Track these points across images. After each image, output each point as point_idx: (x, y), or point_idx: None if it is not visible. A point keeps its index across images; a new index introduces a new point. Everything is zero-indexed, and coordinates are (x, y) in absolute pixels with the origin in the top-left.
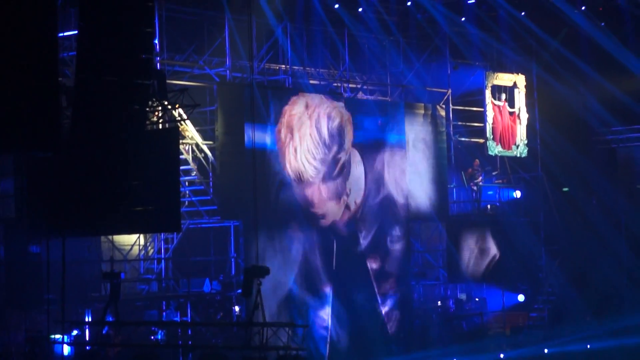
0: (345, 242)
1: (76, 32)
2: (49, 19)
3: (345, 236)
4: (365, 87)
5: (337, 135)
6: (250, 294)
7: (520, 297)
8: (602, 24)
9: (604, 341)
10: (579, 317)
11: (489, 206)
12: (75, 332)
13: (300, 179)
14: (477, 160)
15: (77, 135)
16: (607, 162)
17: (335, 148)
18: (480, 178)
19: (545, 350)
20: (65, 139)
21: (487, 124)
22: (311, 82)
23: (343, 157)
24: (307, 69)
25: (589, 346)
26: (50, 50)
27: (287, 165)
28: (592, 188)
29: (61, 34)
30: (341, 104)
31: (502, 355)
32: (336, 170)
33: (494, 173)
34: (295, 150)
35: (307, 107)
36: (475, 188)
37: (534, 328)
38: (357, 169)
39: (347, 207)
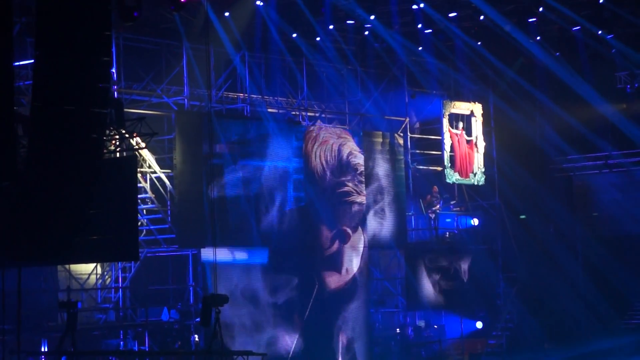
0: None
1: (32, 60)
2: (4, 48)
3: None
4: (323, 115)
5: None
6: (209, 323)
7: (479, 324)
8: (557, 53)
9: None
10: (537, 344)
11: (447, 234)
12: None
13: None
14: (435, 187)
15: (33, 164)
16: (563, 190)
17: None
18: (438, 206)
19: None
20: (21, 168)
21: (445, 152)
22: (269, 110)
23: None
24: (266, 97)
25: None
26: (6, 79)
27: None
28: (549, 216)
29: (17, 63)
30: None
31: None
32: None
33: (452, 202)
34: None
35: None
36: (432, 215)
37: (492, 355)
38: None
39: None
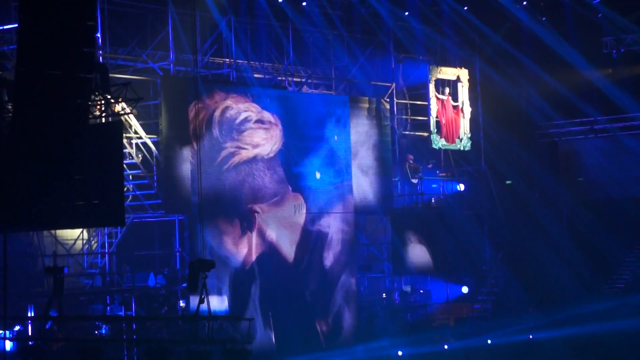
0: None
1: (17, 25)
2: None
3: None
4: (309, 81)
5: None
6: (195, 288)
7: (464, 289)
8: (544, 18)
9: (546, 332)
10: (522, 308)
11: (433, 199)
12: (17, 328)
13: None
14: (410, 155)
15: (18, 129)
16: (549, 155)
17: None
18: (422, 174)
19: (489, 341)
20: (6, 133)
21: (431, 118)
22: (255, 75)
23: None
24: (252, 62)
25: (531, 337)
26: None
27: None
28: (535, 181)
29: (1, 27)
30: None
31: (446, 346)
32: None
33: (428, 165)
34: None
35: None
36: (414, 181)
37: (477, 319)
38: None
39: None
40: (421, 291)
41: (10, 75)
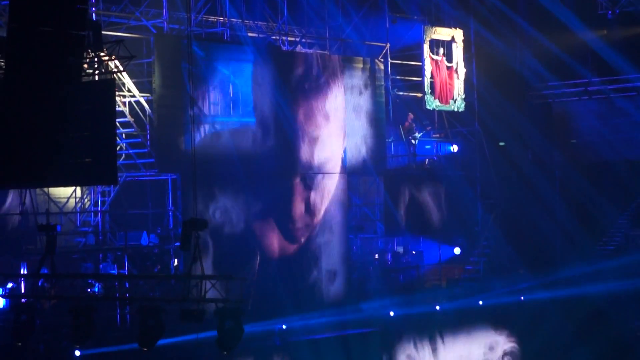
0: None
1: None
2: None
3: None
4: (303, 40)
5: None
6: (188, 247)
7: (457, 250)
8: None
9: (537, 293)
10: (513, 269)
11: (426, 160)
12: (10, 285)
13: None
14: (410, 114)
15: (10, 86)
16: (542, 117)
17: None
18: (417, 133)
19: (480, 302)
20: None
21: (425, 79)
22: (249, 34)
23: None
24: (246, 21)
25: (522, 298)
26: None
27: None
28: (528, 143)
29: None
30: None
31: (438, 307)
32: None
33: (427, 128)
34: None
35: None
36: (413, 142)
37: (469, 280)
38: None
39: None
40: (413, 252)
41: (2, 31)
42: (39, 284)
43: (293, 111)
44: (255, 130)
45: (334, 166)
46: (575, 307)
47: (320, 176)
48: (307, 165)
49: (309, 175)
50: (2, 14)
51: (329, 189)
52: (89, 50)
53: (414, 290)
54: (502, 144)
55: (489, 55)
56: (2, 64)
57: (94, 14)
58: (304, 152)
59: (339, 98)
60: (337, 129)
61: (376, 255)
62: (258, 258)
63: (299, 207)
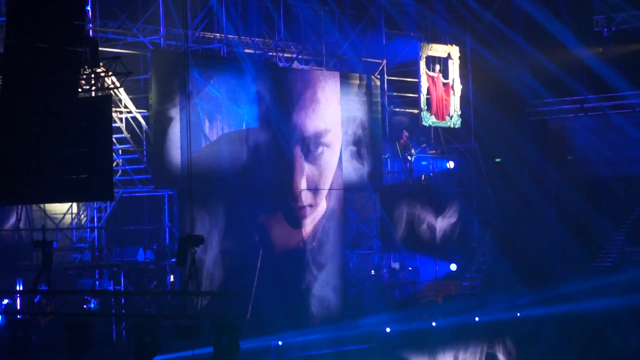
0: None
1: None
2: None
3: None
4: (300, 56)
5: None
6: (184, 263)
7: (453, 267)
8: None
9: (534, 309)
10: (510, 286)
11: (422, 176)
12: (6, 301)
13: None
14: (405, 131)
15: (7, 102)
16: (538, 133)
17: None
18: (414, 149)
19: (477, 319)
20: None
21: (422, 95)
22: (246, 51)
23: None
24: (242, 38)
25: (519, 314)
26: None
27: None
28: (524, 159)
29: None
30: None
31: (434, 323)
32: None
33: (422, 145)
34: None
35: None
36: (409, 158)
37: (465, 297)
38: None
39: None
40: (410, 268)
41: (0, 48)
42: (35, 300)
43: (289, 127)
44: (250, 144)
45: (332, 182)
46: (572, 324)
47: (317, 195)
48: (303, 182)
49: (304, 192)
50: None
51: (322, 209)
52: (86, 67)
53: (410, 306)
54: (498, 160)
55: (485, 71)
56: None
57: (91, 30)
58: (299, 168)
59: (335, 114)
60: (333, 145)
61: (372, 271)
62: (260, 256)
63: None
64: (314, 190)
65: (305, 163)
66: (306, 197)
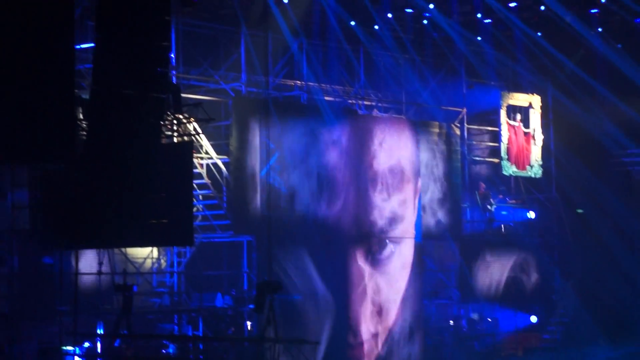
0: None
1: (93, 44)
2: (66, 31)
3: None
4: (380, 104)
5: None
6: (262, 310)
7: (533, 318)
8: (619, 45)
9: None
10: (592, 339)
11: (502, 226)
12: (87, 344)
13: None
14: (482, 184)
15: (92, 147)
16: (622, 184)
17: None
18: (493, 199)
19: None
20: (80, 152)
21: (502, 144)
22: (326, 98)
23: None
24: (323, 85)
25: None
26: (67, 62)
27: None
28: (607, 210)
29: (78, 46)
30: None
31: None
32: None
33: (500, 195)
34: None
35: None
36: (489, 207)
37: (546, 350)
38: None
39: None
40: (489, 319)
41: (86, 94)
42: (115, 343)
43: (368, 174)
44: (329, 190)
45: (409, 231)
46: None
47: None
48: (379, 230)
49: (382, 239)
50: (85, 77)
51: (400, 257)
52: (169, 113)
53: (490, 358)
54: (580, 211)
55: (567, 121)
56: (84, 125)
57: (174, 77)
58: (378, 215)
59: (414, 163)
60: (412, 194)
61: (451, 322)
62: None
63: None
64: (393, 238)
65: (384, 211)
66: (385, 245)
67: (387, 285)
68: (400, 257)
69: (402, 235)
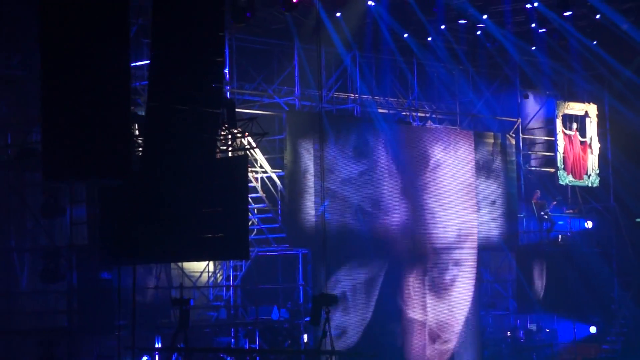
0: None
1: (148, 61)
2: (122, 48)
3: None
4: (434, 115)
5: None
6: (318, 323)
7: (592, 329)
8: None
9: None
10: None
11: (559, 236)
12: (145, 358)
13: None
14: (537, 191)
15: (148, 163)
16: None
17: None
18: (548, 208)
19: None
20: (136, 168)
21: (558, 154)
22: (380, 110)
23: None
24: (376, 97)
25: None
26: (123, 79)
27: None
28: None
29: (134, 64)
30: None
31: None
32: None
33: (553, 203)
34: None
35: None
36: (546, 217)
37: None
38: None
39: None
40: (547, 330)
41: (141, 110)
42: (173, 357)
43: (423, 186)
44: (384, 203)
45: (467, 242)
46: None
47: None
48: (438, 242)
49: (439, 251)
50: (141, 94)
51: (456, 268)
52: (224, 127)
53: None
54: (638, 220)
55: (624, 129)
56: (141, 141)
57: (228, 92)
58: (433, 227)
59: (470, 174)
60: (469, 205)
61: (508, 333)
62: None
63: None
64: (449, 249)
65: (440, 223)
66: (441, 256)
67: (447, 309)
68: (463, 278)
69: (460, 246)
